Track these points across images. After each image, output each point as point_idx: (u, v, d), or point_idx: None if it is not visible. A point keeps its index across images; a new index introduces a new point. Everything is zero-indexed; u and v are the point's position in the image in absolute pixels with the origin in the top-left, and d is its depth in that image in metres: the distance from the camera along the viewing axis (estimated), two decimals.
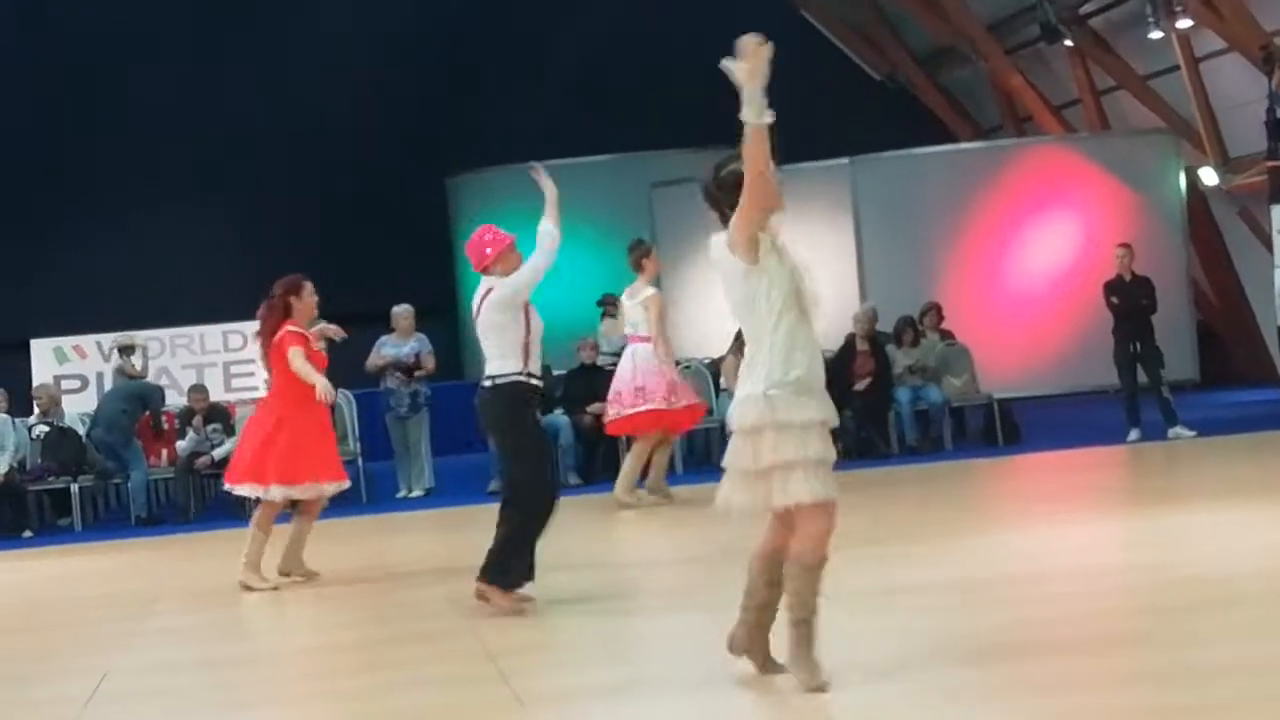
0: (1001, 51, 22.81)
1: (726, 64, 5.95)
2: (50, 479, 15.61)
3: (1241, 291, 21.30)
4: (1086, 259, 18.40)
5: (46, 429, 15.90)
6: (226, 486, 10.91)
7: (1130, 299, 15.79)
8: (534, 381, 8.70)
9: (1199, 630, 6.92)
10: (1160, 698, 5.76)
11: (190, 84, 23.76)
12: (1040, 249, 19.16)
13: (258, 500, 10.35)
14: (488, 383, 8.70)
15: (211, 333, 20.04)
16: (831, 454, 6.13)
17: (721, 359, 15.90)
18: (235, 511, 15.26)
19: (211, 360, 19.91)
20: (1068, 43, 21.11)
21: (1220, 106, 19.92)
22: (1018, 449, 16.31)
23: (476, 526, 9.30)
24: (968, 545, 9.93)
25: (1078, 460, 15.03)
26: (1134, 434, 15.62)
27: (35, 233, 23.27)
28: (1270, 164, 16.83)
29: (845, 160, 19.50)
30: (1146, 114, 21.10)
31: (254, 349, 19.55)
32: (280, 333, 10.32)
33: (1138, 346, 15.79)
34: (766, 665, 6.33)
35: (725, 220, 6.23)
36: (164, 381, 18.06)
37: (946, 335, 17.45)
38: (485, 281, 8.80)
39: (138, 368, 16.70)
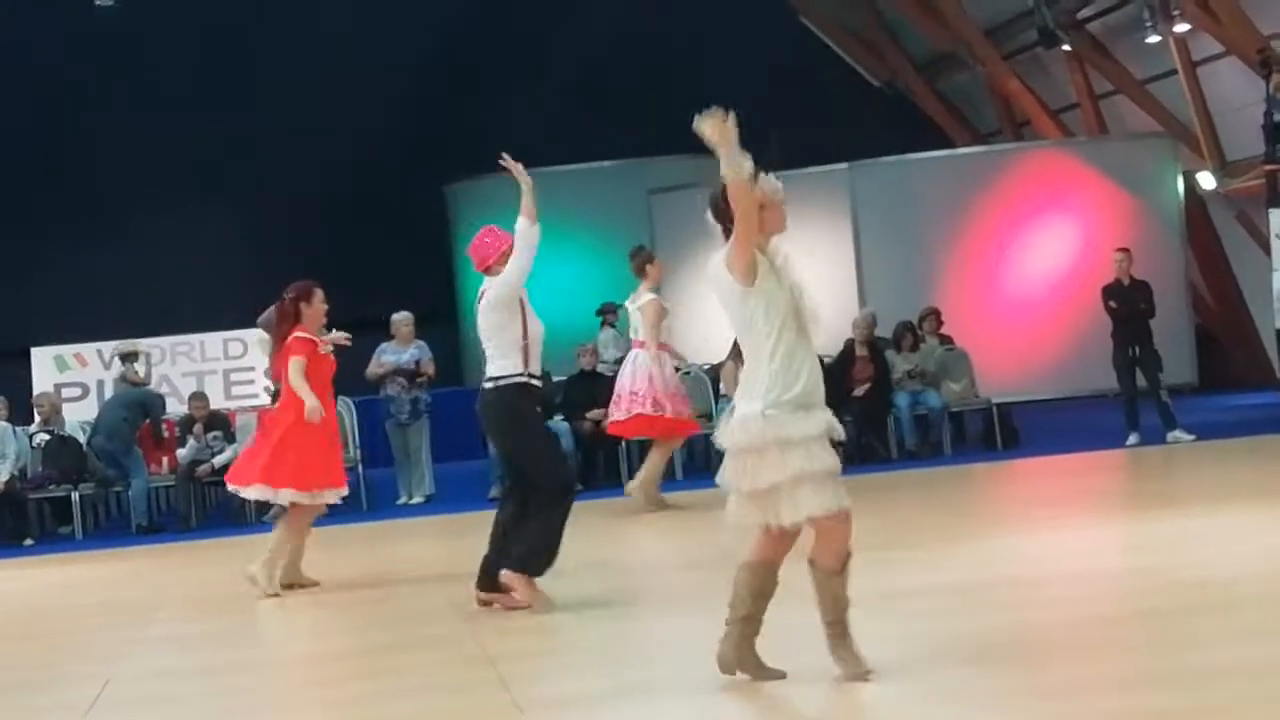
0: (999, 57, 22.84)
1: (698, 124, 6.02)
2: (51, 487, 15.62)
3: (1240, 295, 21.32)
4: (1085, 263, 18.43)
5: (47, 437, 15.92)
6: (232, 488, 10.87)
7: (1129, 303, 15.81)
8: (535, 383, 8.76)
9: (1198, 633, 6.93)
10: (1159, 701, 5.77)
11: (190, 85, 23.75)
12: (1039, 253, 19.18)
13: (264, 505, 10.34)
14: (489, 384, 8.76)
15: (212, 340, 20.05)
16: (837, 465, 6.18)
17: (721, 365, 15.92)
18: (236, 519, 15.34)
19: (212, 368, 19.93)
20: (1065, 48, 21.15)
21: (1218, 110, 19.95)
22: (1017, 453, 16.33)
23: (477, 533, 9.31)
24: (967, 549, 9.95)
25: (1077, 464, 15.06)
26: (1133, 438, 15.64)
27: (35, 238, 23.22)
28: (1268, 167, 16.87)
29: (844, 165, 19.54)
30: (1144, 118, 21.13)
31: (254, 357, 19.72)
32: (289, 339, 10.33)
33: (1136, 350, 15.80)
34: (760, 673, 6.35)
35: (727, 235, 6.26)
36: (164, 389, 18.08)
37: (945, 340, 17.47)
38: (485, 283, 8.91)
39: (140, 375, 16.70)
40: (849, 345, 16.64)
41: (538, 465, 8.74)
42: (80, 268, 22.96)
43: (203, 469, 15.55)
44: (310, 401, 10.07)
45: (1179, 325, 18.53)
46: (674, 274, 18.89)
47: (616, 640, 8.02)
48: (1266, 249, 19.33)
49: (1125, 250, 16.20)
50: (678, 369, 14.33)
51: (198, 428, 15.81)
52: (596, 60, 23.92)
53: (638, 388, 13.45)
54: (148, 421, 15.91)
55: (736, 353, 6.92)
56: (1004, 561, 9.44)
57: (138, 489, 15.42)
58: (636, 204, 20.98)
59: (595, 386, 15.66)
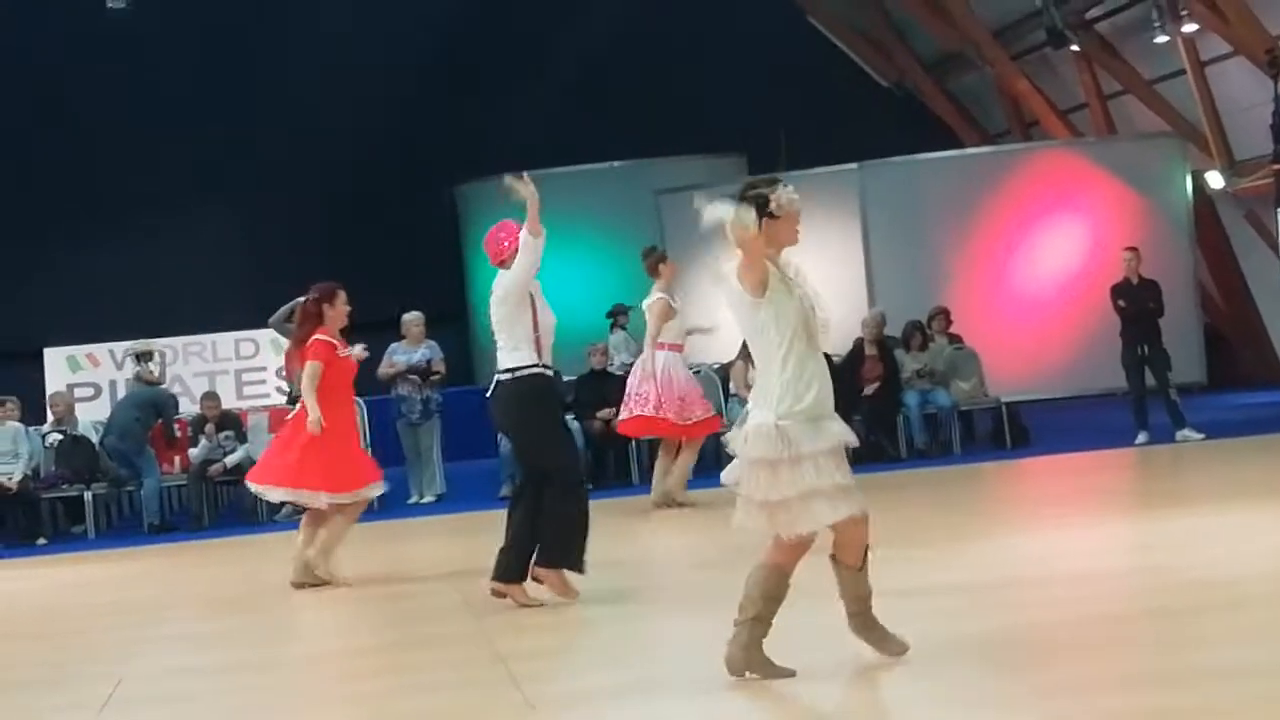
0: (1008, 57, 22.84)
1: (699, 204, 6.22)
2: (64, 487, 15.69)
3: (1248, 294, 21.32)
4: (1094, 262, 18.42)
5: (60, 437, 15.97)
6: (256, 488, 10.89)
7: (1137, 302, 15.82)
8: (550, 373, 8.86)
9: (1206, 633, 6.95)
10: (1166, 700, 5.78)
11: (191, 85, 23.77)
12: (1047, 253, 19.18)
13: (276, 505, 10.36)
14: (506, 376, 8.78)
15: (224, 340, 20.12)
16: (850, 478, 6.30)
17: (730, 364, 15.95)
18: (248, 519, 15.40)
19: (223, 368, 20.00)
20: (1074, 48, 21.14)
21: (1226, 110, 19.94)
22: (1026, 452, 16.34)
23: (488, 532, 9.35)
24: (975, 549, 9.97)
25: (1086, 463, 15.07)
26: (1142, 437, 15.65)
27: (34, 238, 23.22)
28: (1276, 167, 16.88)
29: (854, 166, 19.54)
30: (1153, 118, 21.13)
31: (266, 357, 19.79)
32: (310, 340, 10.35)
33: (1145, 349, 15.82)
34: (769, 672, 6.39)
35: None
36: (176, 389, 18.14)
37: (954, 339, 17.49)
38: (498, 276, 8.97)
39: (155, 374, 16.72)
40: (858, 344, 16.66)
41: (553, 457, 8.79)
42: (80, 268, 22.98)
43: (215, 468, 15.60)
44: (314, 414, 10.10)
45: (1188, 324, 18.52)
46: (683, 274, 18.88)
47: (627, 639, 8.04)
48: (1275, 248, 19.36)
49: (1134, 249, 16.22)
50: (696, 370, 14.31)
51: (210, 427, 15.86)
52: (597, 60, 23.92)
53: (644, 389, 13.49)
54: (160, 421, 15.96)
55: (746, 353, 6.99)
56: (1012, 561, 9.46)
57: (150, 488, 15.47)
58: (644, 205, 21.01)
59: (606, 386, 15.71)
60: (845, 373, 15.83)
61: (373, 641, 8.72)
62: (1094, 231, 19.17)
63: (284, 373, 17.19)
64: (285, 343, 15.70)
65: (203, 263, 23.49)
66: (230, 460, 15.50)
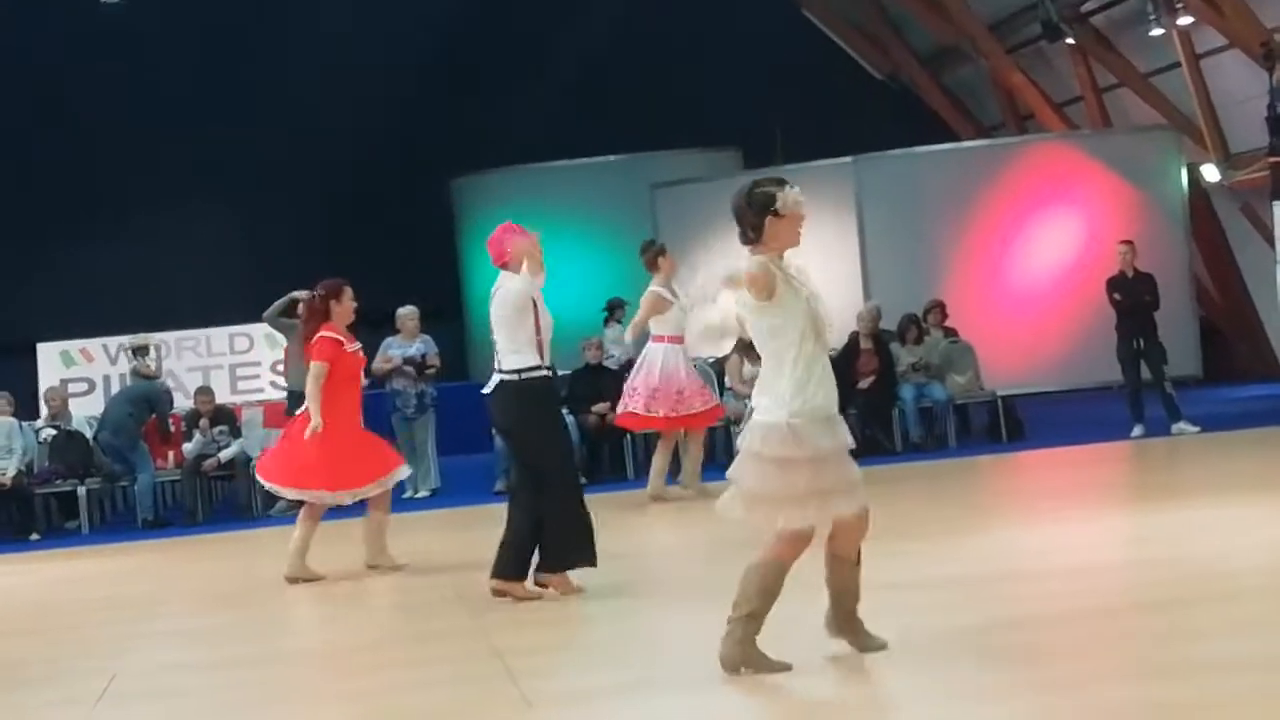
0: (1003, 50, 22.83)
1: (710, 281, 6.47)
2: (58, 482, 15.66)
3: (1244, 287, 21.32)
4: (1089, 256, 18.40)
5: (54, 432, 15.95)
6: (272, 488, 10.91)
7: (1133, 295, 15.82)
8: (551, 374, 8.95)
9: (1201, 626, 6.94)
10: (1162, 693, 5.79)
11: (190, 85, 23.77)
12: (1043, 246, 19.16)
13: (271, 499, 10.36)
14: (511, 377, 8.79)
15: (218, 335, 20.08)
16: (857, 475, 6.44)
17: (726, 358, 15.93)
18: (242, 513, 15.38)
19: (218, 363, 19.96)
20: (1069, 41, 21.13)
21: (1221, 103, 19.94)
22: (1021, 445, 16.34)
23: (483, 526, 9.35)
24: (971, 542, 9.97)
25: (1081, 456, 15.06)
26: (1137, 430, 15.66)
27: (35, 236, 23.26)
28: (1272, 160, 16.83)
29: (848, 159, 19.52)
30: (1148, 111, 21.12)
31: (260, 351, 19.76)
32: (316, 337, 10.33)
33: (1141, 342, 15.83)
34: (765, 667, 6.38)
35: (745, 238, 6.43)
36: (170, 384, 18.09)
37: (950, 332, 17.48)
38: (500, 277, 8.98)
39: (152, 367, 16.69)
40: (854, 338, 16.65)
41: (550, 459, 8.83)
42: (80, 267, 22.97)
43: (209, 464, 15.59)
44: (315, 420, 10.10)
45: (1183, 317, 18.51)
46: (677, 267, 18.92)
47: (625, 634, 8.04)
48: (1270, 241, 19.30)
49: (1129, 243, 16.22)
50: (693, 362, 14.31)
51: (204, 422, 15.84)
52: (596, 60, 23.91)
53: (636, 384, 13.53)
54: (154, 416, 15.93)
55: (741, 347, 6.99)
56: (1008, 554, 9.46)
57: (144, 484, 15.45)
58: (639, 199, 20.99)
59: (600, 380, 15.71)
60: (840, 366, 15.70)
61: (368, 637, 8.70)
62: (1089, 224, 19.15)
63: (280, 368, 17.17)
64: (280, 338, 15.73)
65: (201, 261, 23.50)
66: (224, 455, 15.49)
